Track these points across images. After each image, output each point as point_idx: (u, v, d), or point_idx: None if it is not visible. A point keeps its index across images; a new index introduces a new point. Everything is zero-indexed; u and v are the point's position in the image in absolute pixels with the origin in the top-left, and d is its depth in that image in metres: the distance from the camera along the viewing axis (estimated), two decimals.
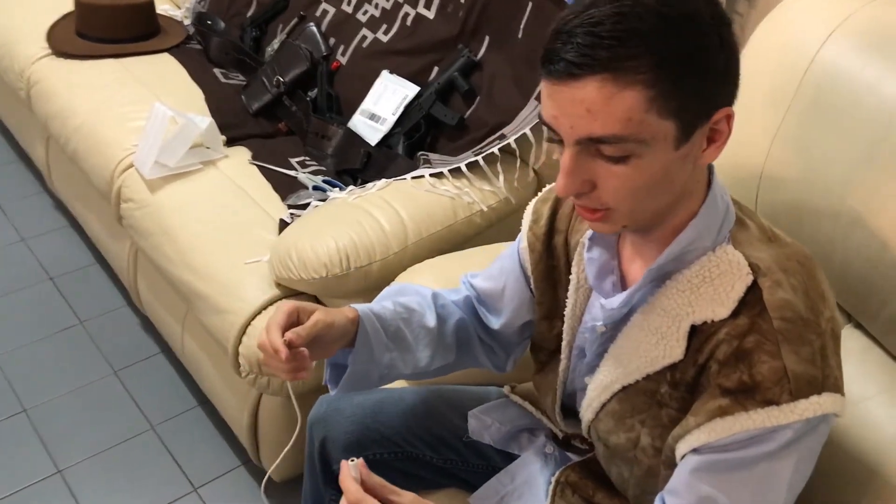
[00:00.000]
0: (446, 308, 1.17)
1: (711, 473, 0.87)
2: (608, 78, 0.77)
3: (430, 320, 1.13)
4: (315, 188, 1.74)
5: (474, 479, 1.22)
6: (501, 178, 1.61)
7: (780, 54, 1.20)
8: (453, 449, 1.24)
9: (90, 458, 1.78)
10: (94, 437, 1.82)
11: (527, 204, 1.63)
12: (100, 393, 1.93)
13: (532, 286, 1.12)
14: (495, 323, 1.17)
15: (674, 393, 0.93)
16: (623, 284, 1.00)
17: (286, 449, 1.21)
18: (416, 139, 1.77)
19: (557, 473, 1.15)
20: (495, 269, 1.18)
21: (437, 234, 1.52)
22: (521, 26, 1.68)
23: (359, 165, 1.78)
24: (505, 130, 1.65)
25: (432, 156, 1.68)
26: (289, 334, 0.97)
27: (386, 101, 1.81)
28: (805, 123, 1.16)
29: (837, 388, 0.86)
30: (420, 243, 1.49)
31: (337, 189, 1.70)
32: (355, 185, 1.76)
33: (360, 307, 1.08)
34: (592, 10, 0.78)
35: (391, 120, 1.79)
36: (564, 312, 1.07)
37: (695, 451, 0.88)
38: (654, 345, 0.93)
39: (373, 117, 1.82)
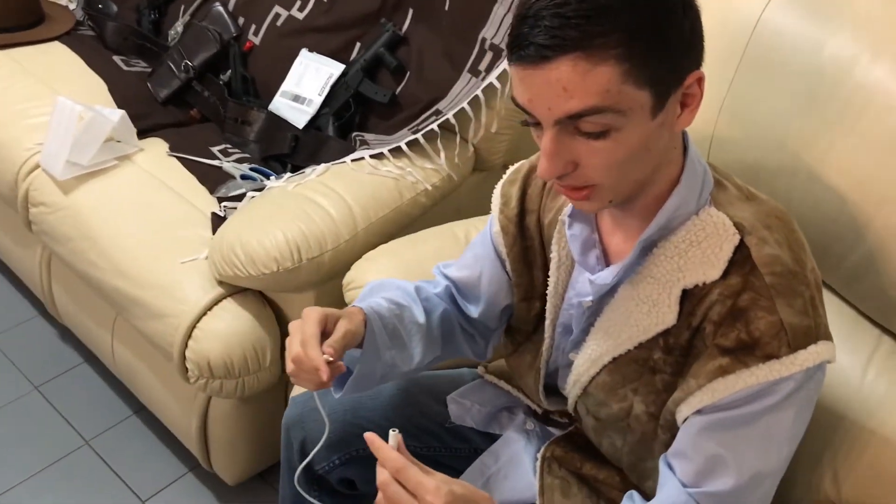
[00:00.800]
0: (430, 301, 1.14)
1: (717, 432, 0.89)
2: (580, 56, 0.77)
3: (419, 315, 1.10)
4: (244, 177, 1.67)
5: (458, 464, 1.20)
6: (443, 155, 1.57)
7: (724, 17, 1.22)
8: (435, 436, 1.22)
9: (24, 481, 1.67)
10: (26, 458, 1.71)
11: (467, 180, 1.63)
12: (23, 411, 1.80)
13: (508, 269, 1.11)
14: (474, 311, 1.15)
15: (667, 358, 0.94)
16: (606, 258, 1.00)
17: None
18: (346, 119, 1.71)
19: (543, 449, 1.15)
20: (469, 258, 1.16)
21: (385, 217, 1.47)
22: None
23: (287, 150, 1.71)
24: (440, 106, 1.62)
25: (368, 136, 1.63)
26: (327, 350, 0.94)
27: (309, 81, 1.74)
28: (754, 84, 1.19)
29: (828, 335, 0.89)
30: (370, 228, 1.45)
31: (270, 177, 1.63)
32: (285, 171, 1.70)
33: (364, 306, 1.04)
34: None
35: (317, 101, 1.72)
36: (547, 291, 1.06)
37: (698, 412, 0.90)
38: (647, 313, 0.93)
39: (297, 99, 1.75)
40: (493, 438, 1.21)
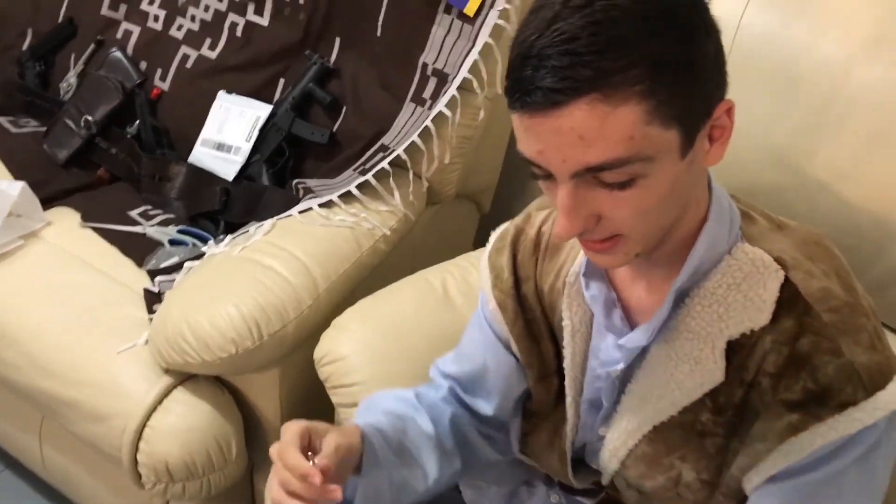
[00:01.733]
0: (436, 408, 0.99)
1: (798, 499, 0.79)
2: (597, 98, 0.66)
3: (426, 424, 0.96)
4: (173, 243, 1.48)
5: None
6: (397, 194, 1.43)
7: None
8: None
9: None
10: None
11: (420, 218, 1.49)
12: None
13: (515, 350, 0.96)
14: (487, 408, 0.99)
15: (718, 419, 0.82)
16: (629, 316, 0.88)
17: None
18: (280, 165, 1.55)
19: None
20: (467, 348, 1.02)
21: (346, 272, 1.32)
22: (380, 22, 1.49)
23: (217, 206, 1.53)
24: (385, 140, 1.48)
25: (310, 182, 1.47)
26: (323, 461, 0.78)
27: (233, 126, 1.57)
28: (746, 94, 1.10)
29: None
30: (331, 288, 1.30)
31: (207, 241, 1.45)
32: (219, 229, 1.52)
33: (360, 423, 0.89)
34: (560, 25, 0.66)
35: (246, 148, 1.55)
36: (564, 366, 0.93)
37: (772, 479, 0.79)
38: (688, 373, 0.82)
39: (221, 147, 1.57)
40: None
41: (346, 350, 1.16)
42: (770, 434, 0.78)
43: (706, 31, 0.71)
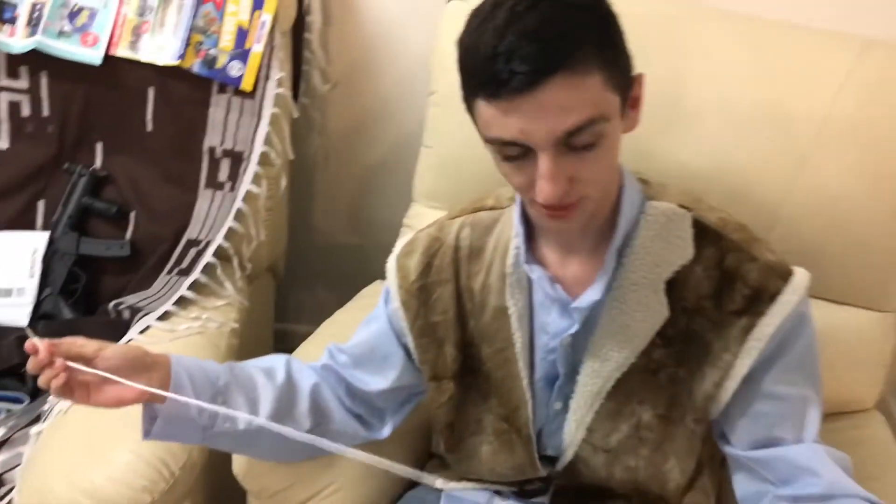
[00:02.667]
0: (302, 371, 1.09)
1: (781, 384, 0.95)
2: (568, 73, 0.79)
3: (278, 373, 1.06)
4: None
5: None
6: (228, 284, 1.38)
7: None
8: None
9: None
10: None
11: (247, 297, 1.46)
12: None
13: (411, 346, 1.06)
14: (373, 384, 1.09)
15: (668, 351, 0.97)
16: (567, 292, 0.99)
17: None
18: (79, 293, 1.40)
19: None
20: (362, 337, 1.11)
21: None
22: (148, 117, 1.41)
23: (18, 360, 1.33)
24: (191, 235, 1.41)
25: (130, 299, 1.35)
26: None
27: (7, 267, 1.38)
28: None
29: None
30: None
31: (23, 402, 1.27)
32: (25, 385, 1.33)
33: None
34: (517, 25, 0.79)
35: (31, 285, 1.38)
36: (516, 352, 1.02)
37: (748, 381, 0.94)
38: (641, 319, 0.96)
39: (1, 294, 1.37)
40: None
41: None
42: (730, 342, 0.94)
43: (615, 17, 0.85)
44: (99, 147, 1.45)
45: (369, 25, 1.69)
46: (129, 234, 1.43)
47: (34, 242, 1.40)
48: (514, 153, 0.84)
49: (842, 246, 1.20)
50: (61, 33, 1.37)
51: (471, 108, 0.87)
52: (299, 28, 1.56)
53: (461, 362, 1.06)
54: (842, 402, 1.29)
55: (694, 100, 1.22)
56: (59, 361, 0.88)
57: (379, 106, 1.78)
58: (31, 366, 0.88)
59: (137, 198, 1.44)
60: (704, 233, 0.96)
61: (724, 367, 0.95)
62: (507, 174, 0.88)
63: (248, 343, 1.42)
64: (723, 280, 0.94)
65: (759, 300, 0.93)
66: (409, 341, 1.07)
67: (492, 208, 1.07)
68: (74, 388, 0.91)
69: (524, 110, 0.80)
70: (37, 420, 1.21)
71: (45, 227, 1.44)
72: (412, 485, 1.22)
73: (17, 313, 1.37)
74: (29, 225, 1.43)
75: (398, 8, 1.65)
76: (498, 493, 1.16)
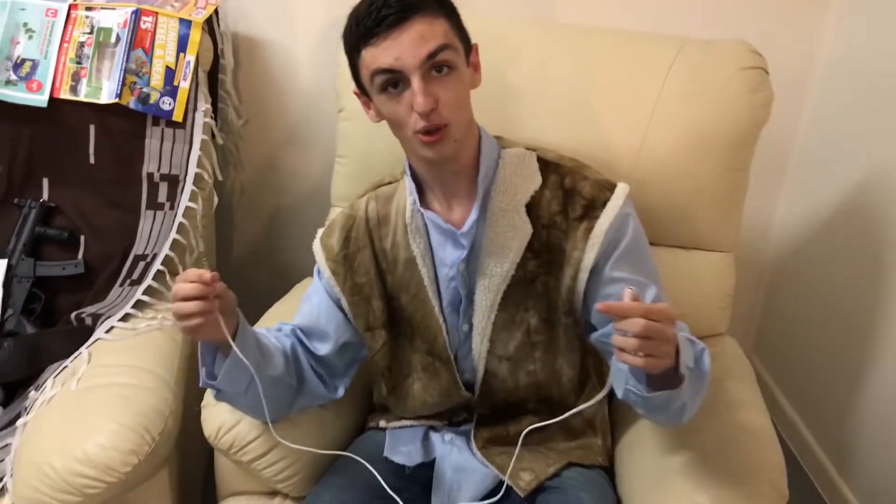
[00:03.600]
0: (282, 338, 1.31)
1: (621, 270, 1.22)
2: (424, 15, 1.09)
3: (279, 341, 1.30)
4: None
5: (425, 502, 1.32)
6: None
7: None
8: (393, 492, 1.30)
9: None
10: None
11: None
12: None
13: (345, 305, 1.31)
14: (323, 349, 1.33)
15: (538, 261, 1.24)
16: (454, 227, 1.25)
17: None
18: (39, 310, 1.55)
19: (475, 447, 1.34)
20: (306, 308, 1.35)
21: (180, 365, 1.43)
22: (91, 151, 1.60)
23: None
24: (137, 251, 1.60)
25: (90, 309, 1.52)
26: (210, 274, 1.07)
27: None
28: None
29: None
30: (178, 380, 1.39)
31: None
32: (1, 396, 1.48)
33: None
34: None
35: None
36: (426, 285, 1.27)
37: (594, 272, 1.22)
38: (512, 237, 1.23)
39: None
40: (428, 467, 1.35)
41: (234, 416, 1.30)
42: (577, 242, 1.22)
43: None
44: (45, 182, 1.62)
45: (274, 68, 1.93)
46: (80, 255, 1.60)
47: None
48: (393, 84, 1.10)
49: (683, 201, 1.51)
50: (8, 82, 1.55)
51: (356, 70, 1.15)
52: (215, 70, 1.78)
53: (387, 313, 1.31)
54: (700, 329, 1.56)
55: (552, 96, 1.51)
56: (217, 288, 1.08)
57: (289, 134, 2.01)
58: (191, 288, 1.06)
59: (85, 223, 1.61)
60: (547, 165, 1.25)
61: (575, 263, 1.22)
62: (391, 113, 1.13)
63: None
64: (565, 197, 1.23)
65: (594, 207, 1.22)
66: (344, 302, 1.31)
67: (389, 183, 1.34)
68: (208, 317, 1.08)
69: (396, 43, 1.08)
70: (14, 420, 1.36)
71: None
72: (360, 430, 1.44)
73: None
74: None
75: (298, 49, 1.90)
76: (432, 427, 1.39)
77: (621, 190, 1.24)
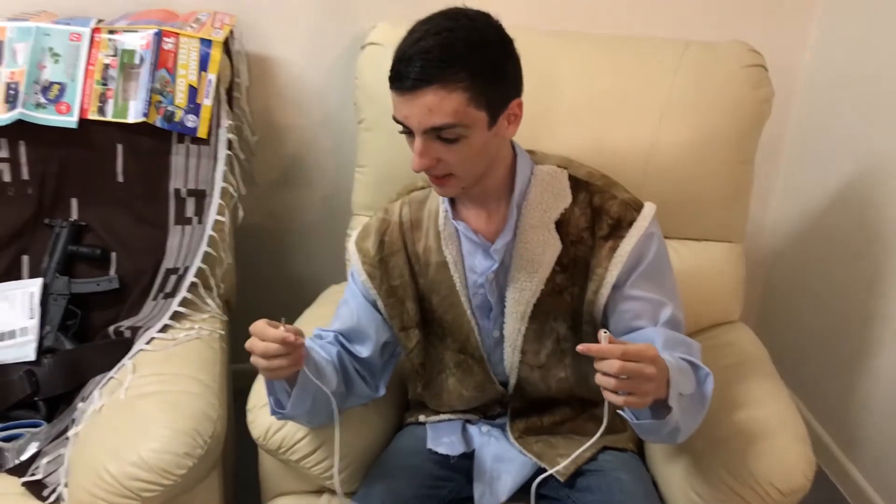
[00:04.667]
0: (327, 346, 1.35)
1: (638, 289, 1.26)
2: (439, 88, 1.09)
3: (328, 353, 1.32)
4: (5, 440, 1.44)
5: (467, 491, 1.37)
6: (210, 300, 1.61)
7: None
8: (442, 478, 1.36)
9: None
10: None
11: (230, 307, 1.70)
12: None
13: (381, 307, 1.36)
14: (365, 351, 1.37)
15: (566, 274, 1.29)
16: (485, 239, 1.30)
17: None
18: (77, 327, 1.59)
19: (511, 438, 1.40)
20: (344, 313, 1.39)
21: (220, 372, 1.47)
22: (120, 170, 1.64)
23: (29, 389, 1.51)
24: (167, 265, 1.64)
25: (126, 322, 1.56)
26: (290, 329, 1.10)
27: (7, 314, 1.55)
28: None
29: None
30: (221, 386, 1.43)
31: (40, 426, 1.45)
32: (39, 413, 1.51)
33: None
34: (422, 43, 1.11)
35: (33, 324, 1.55)
36: (457, 290, 1.32)
37: (616, 287, 1.26)
38: (542, 253, 1.28)
39: (4, 337, 1.54)
40: (468, 458, 1.40)
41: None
42: (602, 260, 1.26)
43: (507, 55, 1.16)
44: (74, 202, 1.65)
45: (283, 85, 1.99)
46: (112, 272, 1.63)
47: (30, 288, 1.58)
48: (404, 129, 1.15)
49: (694, 194, 1.59)
50: (38, 105, 1.59)
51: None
52: (230, 88, 1.83)
53: (420, 314, 1.36)
54: (713, 318, 1.66)
55: (567, 101, 1.59)
56: (300, 341, 1.12)
57: (300, 148, 2.07)
58: (276, 349, 1.09)
59: (116, 240, 1.65)
60: (577, 183, 1.29)
61: (598, 280, 1.27)
62: (409, 144, 1.17)
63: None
64: (593, 215, 1.27)
65: (620, 227, 1.26)
66: (380, 304, 1.36)
67: (422, 187, 1.39)
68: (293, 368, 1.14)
69: (408, 104, 1.11)
70: (63, 432, 1.39)
71: (31, 277, 1.62)
72: (400, 427, 1.49)
73: (24, 350, 1.54)
74: (16, 277, 1.61)
75: (309, 66, 1.97)
76: (468, 421, 1.45)
77: (648, 210, 1.27)
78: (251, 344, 1.11)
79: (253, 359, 1.12)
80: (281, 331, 1.09)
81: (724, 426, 1.33)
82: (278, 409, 1.24)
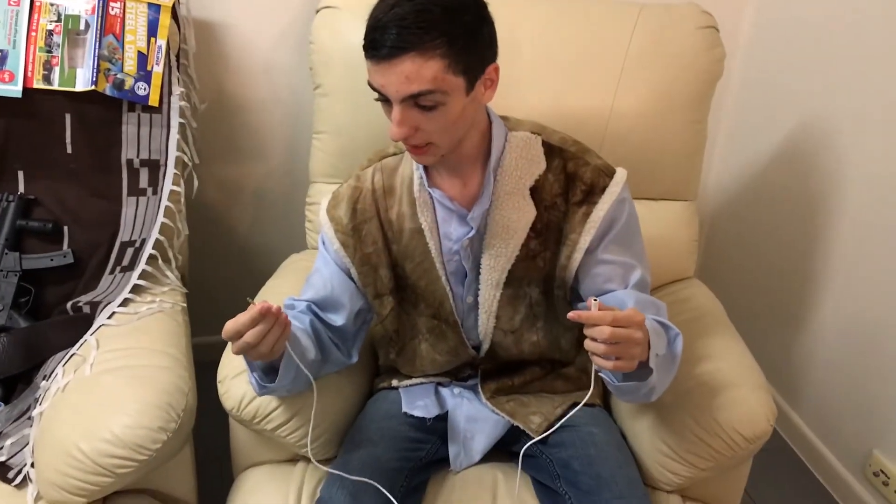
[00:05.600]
0: (300, 316, 1.33)
1: (610, 252, 1.29)
2: (416, 55, 1.08)
3: (302, 322, 1.31)
4: None
5: (443, 452, 1.39)
6: (169, 272, 1.58)
7: None
8: (415, 445, 1.37)
9: None
10: None
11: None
12: None
13: (354, 274, 1.35)
14: (339, 319, 1.36)
15: (540, 239, 1.30)
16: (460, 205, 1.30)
17: None
18: (31, 304, 1.53)
19: (483, 397, 1.42)
20: (317, 281, 1.37)
21: (186, 344, 1.45)
22: (68, 140, 1.58)
23: None
24: (123, 237, 1.59)
25: (85, 297, 1.51)
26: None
27: None
28: None
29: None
30: (188, 358, 1.41)
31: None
32: None
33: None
34: (397, 9, 1.08)
35: None
36: (432, 256, 1.32)
37: (589, 252, 1.28)
38: (517, 219, 1.28)
39: None
40: (443, 419, 1.42)
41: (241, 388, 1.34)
42: (575, 225, 1.28)
43: (482, 19, 1.15)
44: (21, 174, 1.59)
45: (231, 50, 1.94)
46: (65, 246, 1.58)
47: None
48: (381, 98, 1.13)
49: (651, 155, 1.62)
50: None
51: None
52: (177, 55, 1.77)
53: (394, 280, 1.36)
54: (670, 273, 1.71)
55: (526, 64, 1.59)
56: (282, 317, 1.11)
57: (248, 116, 2.03)
58: (259, 329, 1.08)
59: (67, 213, 1.59)
60: (551, 149, 1.29)
61: (571, 245, 1.28)
62: (385, 112, 1.15)
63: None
64: (567, 181, 1.28)
65: (593, 192, 1.28)
66: (353, 272, 1.35)
67: (394, 153, 1.37)
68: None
69: (384, 72, 1.09)
70: (25, 412, 1.35)
71: None
72: (371, 393, 1.49)
73: None
74: None
75: (257, 31, 1.92)
76: (440, 384, 1.46)
77: (619, 176, 1.29)
78: (238, 346, 1.09)
79: (250, 355, 1.12)
80: (255, 308, 1.08)
81: (688, 379, 1.37)
82: (265, 385, 1.23)
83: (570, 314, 1.05)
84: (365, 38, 1.10)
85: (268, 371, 1.24)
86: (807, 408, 2.13)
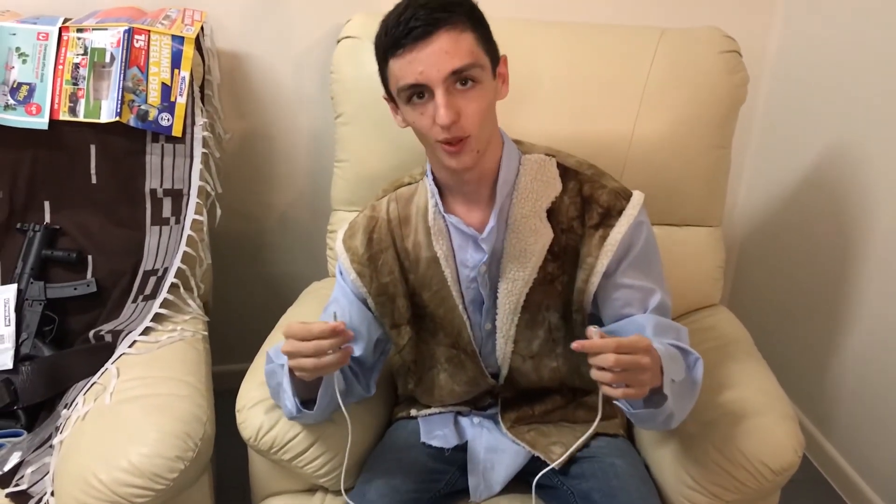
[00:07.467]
0: None
1: (629, 277, 1.27)
2: (450, 29, 1.11)
3: None
4: None
5: (462, 483, 1.37)
6: (191, 301, 1.58)
7: None
8: (438, 472, 1.36)
9: None
10: None
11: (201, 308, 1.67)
12: None
13: (371, 304, 1.35)
14: (358, 350, 1.34)
15: (557, 263, 1.29)
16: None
17: None
18: (55, 332, 1.55)
19: (503, 427, 1.40)
20: (335, 312, 1.31)
21: (206, 373, 1.45)
22: (93, 171, 1.60)
23: (8, 399, 1.46)
24: (146, 267, 1.61)
25: (107, 326, 1.52)
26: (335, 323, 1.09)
27: None
28: None
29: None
30: (207, 387, 1.41)
31: (20, 435, 1.41)
32: (18, 422, 1.47)
33: None
34: (414, 2, 1.10)
35: (9, 332, 1.52)
36: (448, 284, 1.31)
37: (606, 276, 1.26)
38: (534, 242, 1.27)
39: None
40: (462, 450, 1.40)
41: (271, 417, 1.33)
42: (592, 248, 1.26)
43: (481, 12, 1.17)
44: (47, 205, 1.62)
45: (255, 81, 1.97)
46: (88, 275, 1.60)
47: (3, 295, 1.54)
48: (418, 95, 1.13)
49: (674, 180, 1.60)
50: (7, 106, 1.55)
51: (384, 77, 1.17)
52: (202, 86, 1.80)
53: (411, 309, 1.35)
54: (694, 301, 1.68)
55: (546, 90, 1.59)
56: (348, 349, 1.12)
57: (271, 145, 2.04)
58: (327, 343, 1.09)
59: (91, 243, 1.61)
60: (566, 172, 1.29)
61: (588, 268, 1.27)
62: (416, 122, 1.16)
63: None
64: (583, 204, 1.27)
65: (610, 215, 1.26)
66: (370, 302, 1.34)
67: (409, 183, 1.36)
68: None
69: (421, 54, 1.10)
70: (47, 441, 1.36)
71: (4, 283, 1.58)
72: (389, 422, 1.48)
73: (0, 359, 1.50)
74: None
75: (280, 61, 1.94)
76: (459, 413, 1.45)
77: (636, 199, 1.27)
78: (295, 347, 1.09)
79: (295, 361, 1.11)
80: (334, 323, 1.08)
81: (712, 408, 1.34)
82: (302, 411, 1.24)
83: (574, 345, 1.03)
84: (386, 40, 1.12)
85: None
86: (840, 437, 2.08)
